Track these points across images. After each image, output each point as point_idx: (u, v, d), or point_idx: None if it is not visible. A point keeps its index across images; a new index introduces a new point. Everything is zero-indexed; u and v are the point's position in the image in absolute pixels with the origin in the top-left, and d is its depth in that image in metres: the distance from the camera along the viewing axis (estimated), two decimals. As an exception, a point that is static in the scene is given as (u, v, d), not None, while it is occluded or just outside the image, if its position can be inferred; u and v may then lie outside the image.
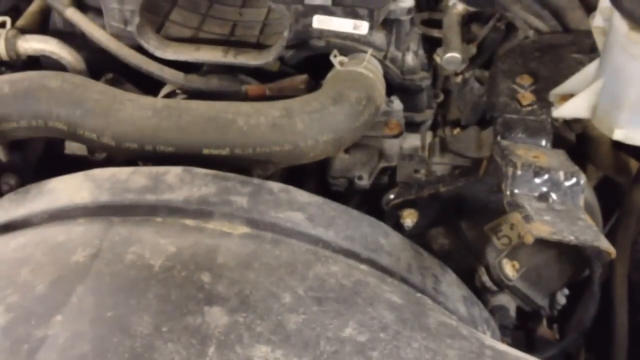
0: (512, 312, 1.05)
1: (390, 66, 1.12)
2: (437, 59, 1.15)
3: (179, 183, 0.85)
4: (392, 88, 1.13)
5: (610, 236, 1.10)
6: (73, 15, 1.08)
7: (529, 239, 0.78)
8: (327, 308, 0.72)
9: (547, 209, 0.83)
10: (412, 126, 1.17)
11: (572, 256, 1.01)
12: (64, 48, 1.10)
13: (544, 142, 0.96)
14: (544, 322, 1.16)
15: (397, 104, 1.11)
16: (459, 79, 1.23)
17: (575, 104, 0.95)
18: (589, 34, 1.01)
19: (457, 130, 1.21)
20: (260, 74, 1.14)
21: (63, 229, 0.81)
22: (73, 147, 1.10)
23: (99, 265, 0.74)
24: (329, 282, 0.76)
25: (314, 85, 1.10)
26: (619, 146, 1.06)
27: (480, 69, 1.23)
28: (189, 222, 0.81)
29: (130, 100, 0.94)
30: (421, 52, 1.15)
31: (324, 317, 0.71)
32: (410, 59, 1.13)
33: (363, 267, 0.82)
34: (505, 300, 1.05)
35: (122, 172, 0.87)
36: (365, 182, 1.14)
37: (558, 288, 1.08)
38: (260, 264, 0.76)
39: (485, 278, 1.04)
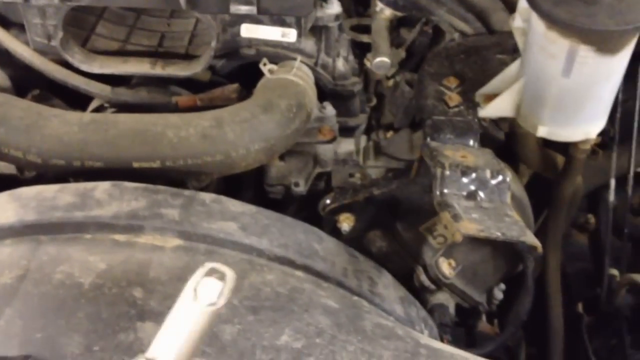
0: (452, 309, 1.06)
1: (321, 72, 1.13)
2: (368, 63, 1.17)
3: (107, 198, 0.83)
4: (325, 94, 1.14)
5: (542, 231, 1.13)
6: (-6, 32, 1.06)
7: (458, 237, 0.80)
8: (263, 317, 0.72)
9: (475, 207, 0.85)
10: (346, 131, 1.18)
11: (506, 252, 1.03)
12: (-14, 66, 1.07)
13: (471, 142, 0.98)
14: (484, 318, 1.19)
15: (329, 110, 1.12)
16: (390, 82, 1.25)
17: (499, 103, 0.98)
18: (512, 34, 1.03)
19: (390, 134, 1.22)
20: (192, 84, 1.14)
21: (-12, 251, 0.79)
22: (1, 166, 1.07)
23: (27, 286, 0.73)
24: (264, 290, 0.76)
25: (245, 94, 1.10)
26: (546, 143, 1.09)
27: (410, 72, 1.25)
28: (119, 237, 0.80)
29: (55, 116, 0.93)
30: (351, 57, 1.16)
31: (260, 326, 0.71)
32: (340, 64, 1.14)
33: (298, 273, 0.82)
34: (444, 298, 1.06)
35: (48, 190, 0.85)
36: (301, 188, 1.14)
37: (494, 284, 1.10)
38: (193, 276, 0.76)
39: (423, 277, 1.05)
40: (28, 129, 0.91)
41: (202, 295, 0.41)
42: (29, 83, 1.13)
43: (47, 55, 1.07)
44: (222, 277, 0.42)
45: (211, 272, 0.42)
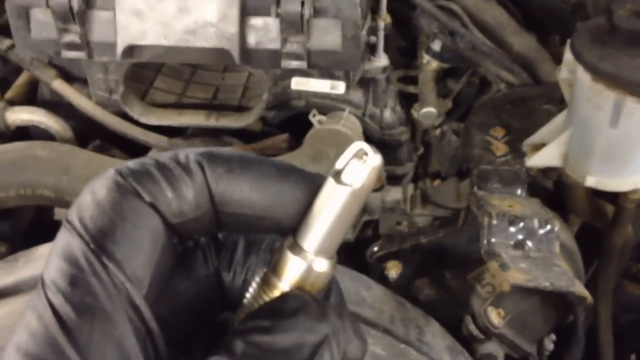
0: (501, 359, 1.05)
1: (369, 122, 1.15)
2: (415, 113, 1.19)
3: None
4: (373, 143, 1.16)
5: (592, 281, 1.12)
6: (60, 86, 1.11)
7: (506, 287, 0.80)
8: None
9: (522, 256, 0.85)
10: (393, 179, 1.20)
11: (555, 302, 1.02)
12: (51, 118, 1.13)
13: (519, 191, 0.98)
14: (534, 369, 1.17)
15: (377, 159, 1.13)
16: (437, 132, 1.27)
17: (546, 153, 0.98)
18: (558, 85, 1.04)
19: (437, 182, 1.23)
20: (244, 134, 1.18)
21: (51, 295, 0.82)
22: (62, 213, 1.12)
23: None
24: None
25: (295, 143, 1.13)
26: (595, 192, 1.09)
27: (457, 121, 1.27)
28: None
29: (115, 166, 0.97)
30: (399, 107, 1.19)
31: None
32: (388, 114, 1.17)
33: (346, 321, 0.83)
34: (493, 348, 1.05)
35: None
36: (349, 235, 1.16)
37: (544, 334, 1.08)
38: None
39: (472, 327, 1.04)
40: (89, 178, 0.95)
41: (346, 177, 0.37)
42: (90, 134, 1.18)
43: (108, 108, 1.12)
44: (365, 157, 0.38)
45: (359, 154, 0.37)
